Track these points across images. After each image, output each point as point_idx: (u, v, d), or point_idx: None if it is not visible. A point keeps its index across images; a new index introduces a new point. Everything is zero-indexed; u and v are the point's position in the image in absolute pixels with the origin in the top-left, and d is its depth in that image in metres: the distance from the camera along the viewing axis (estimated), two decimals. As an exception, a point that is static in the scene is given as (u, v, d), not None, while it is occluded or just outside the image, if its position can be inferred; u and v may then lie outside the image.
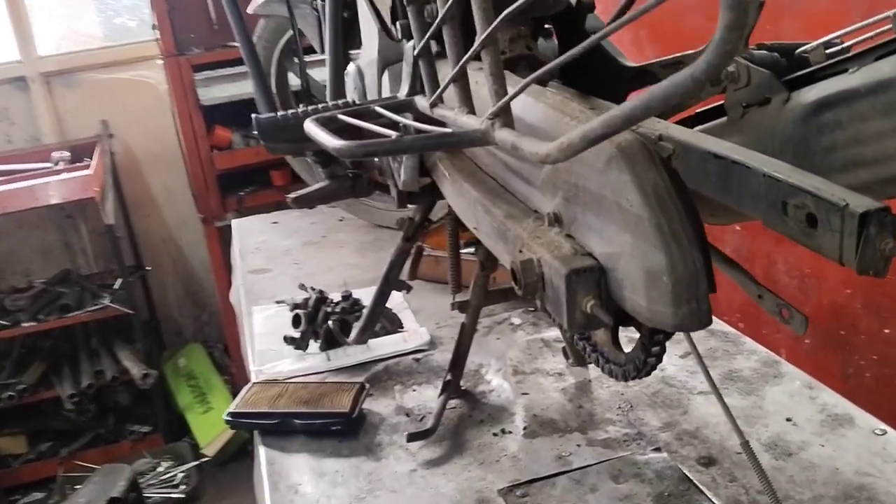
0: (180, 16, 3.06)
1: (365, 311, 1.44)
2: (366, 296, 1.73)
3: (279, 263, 2.12)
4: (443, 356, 1.51)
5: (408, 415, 1.34)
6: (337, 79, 1.40)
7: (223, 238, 3.24)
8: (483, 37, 0.65)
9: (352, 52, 1.45)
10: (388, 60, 1.12)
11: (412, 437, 1.24)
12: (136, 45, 3.54)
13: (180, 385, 3.46)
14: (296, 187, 3.19)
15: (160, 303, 3.80)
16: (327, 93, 1.48)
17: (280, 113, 1.01)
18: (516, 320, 1.62)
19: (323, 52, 1.51)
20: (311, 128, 0.75)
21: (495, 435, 1.25)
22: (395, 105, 0.87)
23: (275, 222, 2.50)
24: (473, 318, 1.32)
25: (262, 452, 1.27)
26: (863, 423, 1.16)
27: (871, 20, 0.81)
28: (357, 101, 1.27)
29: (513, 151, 0.61)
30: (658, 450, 1.16)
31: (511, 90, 0.67)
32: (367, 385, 1.38)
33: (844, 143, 0.85)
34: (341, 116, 0.78)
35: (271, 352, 1.59)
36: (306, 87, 1.30)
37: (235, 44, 3.07)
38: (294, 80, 2.24)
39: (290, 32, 2.08)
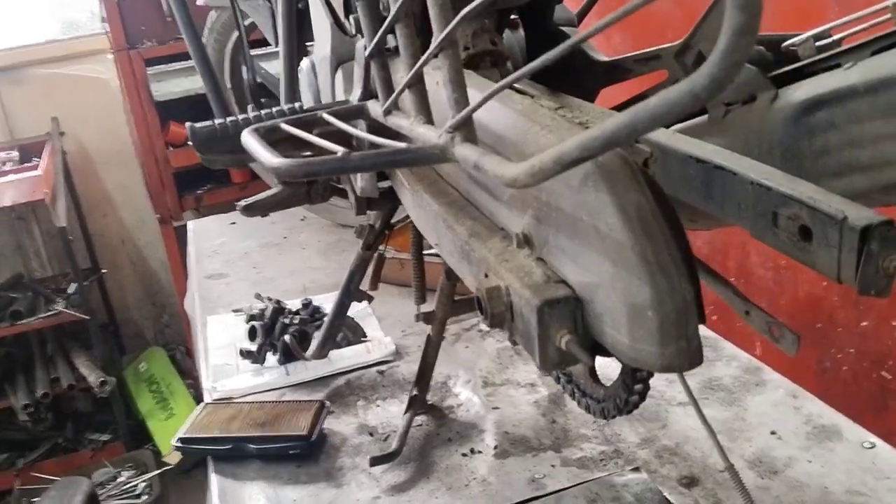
0: (130, 7, 2.93)
1: (324, 324, 1.35)
2: (327, 302, 1.64)
3: (237, 268, 2.03)
4: (409, 367, 1.43)
5: (371, 434, 1.26)
6: (291, 75, 1.32)
7: (181, 238, 3.12)
8: (441, 38, 0.57)
9: (308, 44, 1.36)
10: (342, 58, 1.04)
11: (375, 461, 1.16)
12: (85, 38, 3.40)
13: (141, 390, 3.34)
14: (256, 185, 3.10)
15: (119, 305, 3.68)
16: (280, 91, 1.39)
17: (218, 121, 0.91)
18: (485, 327, 1.54)
19: (276, 43, 1.42)
20: (248, 141, 0.66)
21: (464, 455, 1.18)
22: (346, 112, 0.78)
23: (233, 223, 2.40)
24: (439, 330, 1.24)
25: (213, 481, 1.19)
26: (851, 436, 1.10)
27: (867, 10, 0.74)
28: (311, 102, 1.18)
29: (475, 172, 0.53)
30: (637, 469, 1.09)
31: (473, 96, 0.59)
32: (328, 403, 1.30)
33: (838, 146, 0.78)
34: (284, 126, 0.70)
35: (227, 366, 1.50)
36: (254, 84, 1.21)
37: (189, 36, 2.97)
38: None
39: (244, 24, 1.98)
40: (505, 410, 1.27)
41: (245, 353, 1.49)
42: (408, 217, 1.31)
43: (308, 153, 0.72)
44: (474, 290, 0.68)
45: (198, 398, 3.46)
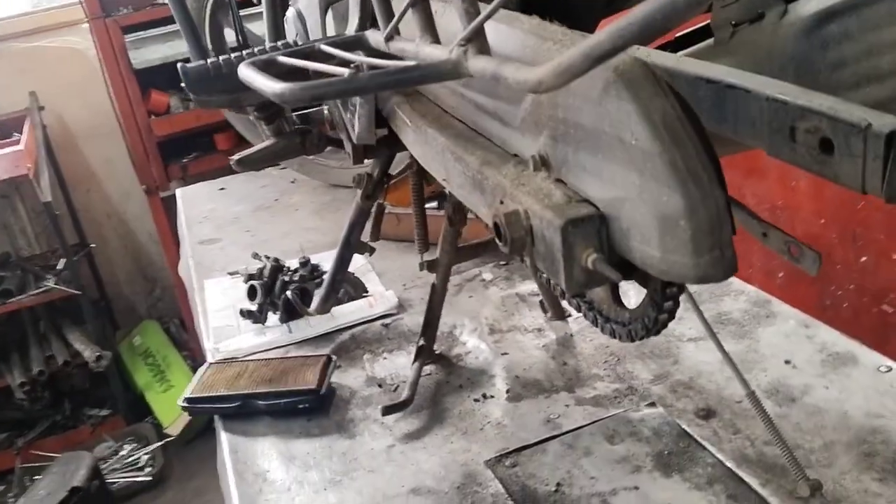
0: (104, -26, 2.86)
1: (326, 279, 1.33)
2: (325, 261, 1.62)
3: (229, 232, 2.00)
4: (413, 320, 1.41)
5: (380, 385, 1.25)
6: (275, 26, 1.27)
7: (169, 209, 3.08)
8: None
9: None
10: (332, -3, 1.00)
11: (387, 411, 1.14)
12: (59, 9, 3.32)
13: (137, 364, 3.32)
14: (241, 149, 3.05)
15: (109, 280, 3.64)
16: (266, 43, 1.35)
17: (210, 60, 0.88)
18: (487, 276, 1.52)
19: (260, 2, 1.37)
20: (247, 73, 0.63)
21: (476, 401, 1.16)
22: (344, 43, 0.75)
23: (222, 188, 2.36)
24: (444, 278, 1.23)
25: (224, 439, 1.17)
26: (866, 361, 1.09)
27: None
28: (300, 48, 1.14)
29: (493, 82, 0.50)
30: (653, 405, 1.08)
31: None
32: (335, 357, 1.28)
33: (855, 57, 0.76)
34: (282, 59, 0.67)
35: (228, 328, 1.48)
36: (243, 38, 1.17)
37: (165, 0, 2.90)
38: (231, 38, 2.09)
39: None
40: (514, 356, 1.26)
41: (246, 314, 1.47)
42: (405, 169, 1.29)
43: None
44: (490, 219, 0.66)
45: (195, 369, 3.45)
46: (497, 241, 0.64)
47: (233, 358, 1.35)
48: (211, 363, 1.31)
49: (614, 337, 0.67)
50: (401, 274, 1.59)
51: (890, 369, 1.06)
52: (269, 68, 0.66)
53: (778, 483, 0.90)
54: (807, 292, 1.89)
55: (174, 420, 3.10)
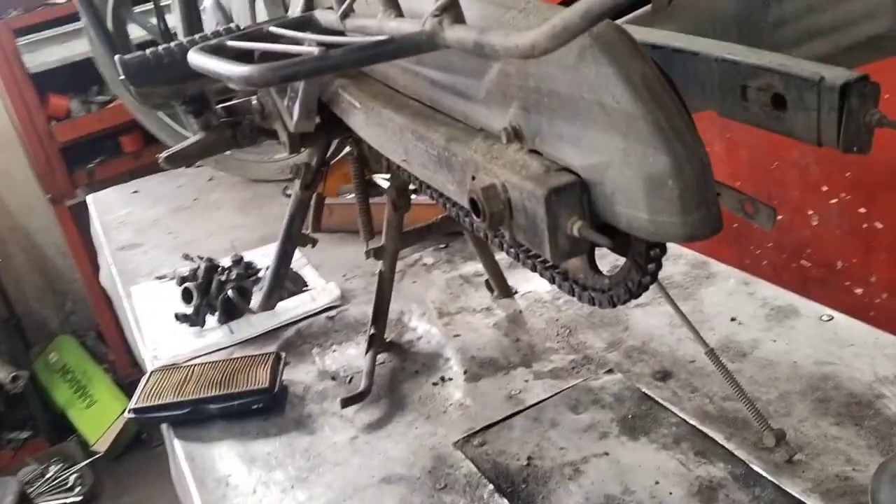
0: (-13, -25, 2.70)
1: (267, 274, 1.29)
2: (258, 257, 1.58)
3: (150, 235, 1.93)
4: (358, 310, 1.39)
5: (334, 378, 1.22)
6: (190, 16, 1.23)
7: (78, 217, 2.96)
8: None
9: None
10: (261, -19, 0.97)
11: (346, 402, 1.12)
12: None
13: (56, 382, 3.18)
14: (149, 151, 2.95)
15: (17, 297, 3.46)
16: (180, 35, 1.29)
17: (149, 50, 0.84)
18: (429, 259, 1.51)
19: None
20: (200, 59, 0.60)
21: (435, 384, 1.16)
22: (292, 24, 0.73)
23: (135, 192, 2.28)
24: (391, 264, 1.21)
25: (177, 447, 1.13)
26: (808, 312, 1.13)
27: None
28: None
29: (476, 51, 0.49)
30: (610, 371, 1.10)
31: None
32: (283, 354, 1.25)
33: (795, 14, 0.78)
34: (231, 43, 0.64)
35: (164, 334, 1.42)
36: (164, 29, 1.12)
37: (58, 0, 2.77)
38: (135, 33, 2.01)
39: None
40: (466, 337, 1.26)
41: (182, 317, 1.42)
42: (338, 156, 1.27)
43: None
44: (464, 195, 0.65)
45: (118, 382, 3.33)
46: (473, 216, 0.63)
47: (174, 364, 1.30)
48: (153, 371, 1.26)
49: (593, 304, 0.67)
50: (339, 265, 1.56)
51: (831, 318, 1.10)
52: (220, 54, 0.64)
53: (742, 436, 0.93)
54: (728, 252, 1.95)
55: (101, 436, 2.98)
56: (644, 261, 0.59)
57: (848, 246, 1.75)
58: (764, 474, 0.87)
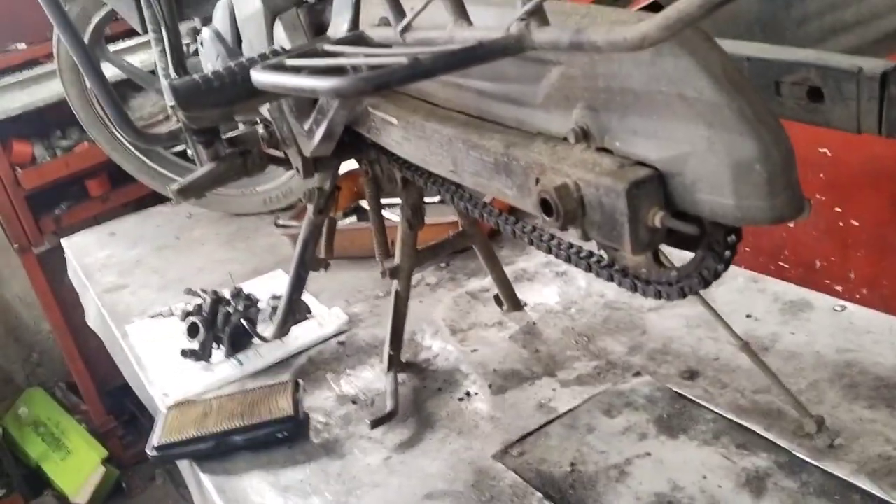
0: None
1: (281, 302, 1.28)
2: (256, 288, 1.57)
3: (136, 276, 1.89)
4: (367, 333, 1.39)
5: (354, 402, 1.22)
6: (176, 52, 1.21)
7: (45, 265, 2.89)
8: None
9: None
10: (278, 8, 0.97)
11: (376, 423, 1.12)
12: None
13: (28, 436, 3.07)
14: (117, 194, 2.90)
15: (-21, 352, 3.36)
16: (161, 74, 1.26)
17: (198, 75, 0.84)
18: (432, 279, 1.52)
19: (145, 31, 1.30)
20: (270, 78, 0.61)
21: (461, 400, 1.16)
22: (346, 41, 0.73)
23: (112, 233, 2.24)
24: (407, 283, 1.22)
25: (206, 482, 1.11)
26: (820, 304, 1.17)
27: None
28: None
29: (573, 48, 0.51)
30: (638, 374, 1.11)
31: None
32: (301, 381, 1.24)
33: (819, 11, 0.82)
34: (292, 62, 0.64)
35: (169, 372, 1.40)
36: (179, 57, 1.10)
37: (18, 46, 2.72)
38: (109, 72, 1.98)
39: (100, 14, 1.83)
40: (483, 351, 1.26)
41: (188, 353, 1.40)
42: (343, 178, 1.27)
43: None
44: (533, 197, 0.65)
45: (93, 432, 3.23)
46: (544, 217, 0.65)
47: (190, 399, 1.28)
48: (170, 407, 1.23)
49: (660, 298, 0.69)
50: (339, 291, 1.56)
51: (844, 308, 1.14)
52: (281, 71, 0.64)
53: (780, 426, 0.95)
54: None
55: (79, 488, 2.89)
56: (722, 248, 0.61)
57: (825, 245, 1.80)
58: (809, 460, 0.89)
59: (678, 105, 0.56)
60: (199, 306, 1.45)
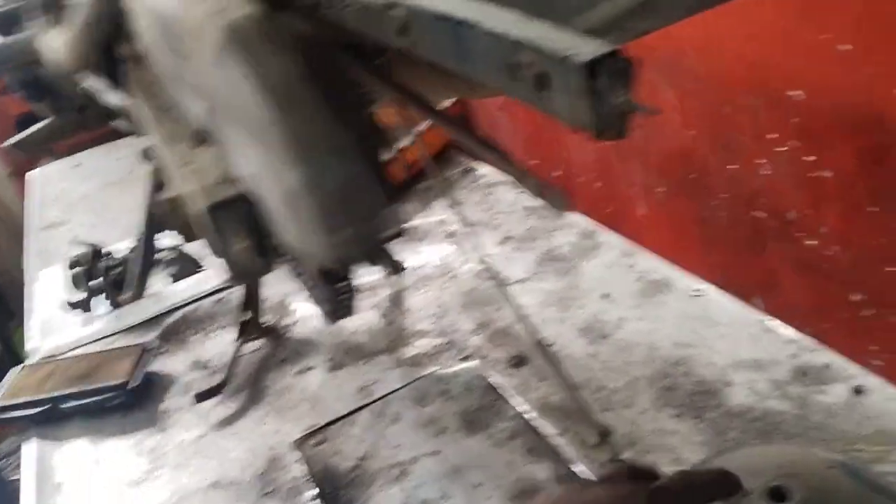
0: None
1: (135, 263, 1.24)
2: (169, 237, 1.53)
3: (77, 212, 1.88)
4: (247, 290, 1.34)
5: (205, 367, 1.18)
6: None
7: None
8: None
9: None
10: None
11: (201, 397, 1.08)
12: None
13: None
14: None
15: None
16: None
17: None
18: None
19: None
20: None
21: (298, 373, 1.11)
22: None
23: (77, 164, 2.23)
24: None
25: (32, 448, 1.09)
26: (680, 286, 1.06)
27: None
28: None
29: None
30: (466, 358, 1.04)
31: None
32: (154, 345, 1.21)
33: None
34: None
35: (53, 322, 1.38)
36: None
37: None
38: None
39: None
40: (344, 319, 1.20)
41: (73, 304, 1.38)
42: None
43: None
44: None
45: None
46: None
47: (52, 356, 1.26)
48: (24, 366, 1.22)
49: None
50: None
51: (700, 293, 1.03)
52: None
53: (575, 431, 0.87)
54: (687, 207, 1.87)
55: None
56: (331, 282, 0.53)
57: (799, 196, 1.67)
58: (587, 475, 0.81)
59: (244, 118, 0.48)
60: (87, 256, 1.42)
